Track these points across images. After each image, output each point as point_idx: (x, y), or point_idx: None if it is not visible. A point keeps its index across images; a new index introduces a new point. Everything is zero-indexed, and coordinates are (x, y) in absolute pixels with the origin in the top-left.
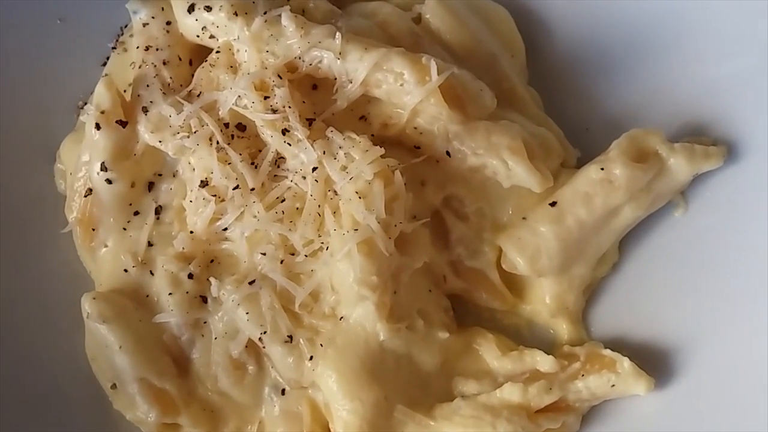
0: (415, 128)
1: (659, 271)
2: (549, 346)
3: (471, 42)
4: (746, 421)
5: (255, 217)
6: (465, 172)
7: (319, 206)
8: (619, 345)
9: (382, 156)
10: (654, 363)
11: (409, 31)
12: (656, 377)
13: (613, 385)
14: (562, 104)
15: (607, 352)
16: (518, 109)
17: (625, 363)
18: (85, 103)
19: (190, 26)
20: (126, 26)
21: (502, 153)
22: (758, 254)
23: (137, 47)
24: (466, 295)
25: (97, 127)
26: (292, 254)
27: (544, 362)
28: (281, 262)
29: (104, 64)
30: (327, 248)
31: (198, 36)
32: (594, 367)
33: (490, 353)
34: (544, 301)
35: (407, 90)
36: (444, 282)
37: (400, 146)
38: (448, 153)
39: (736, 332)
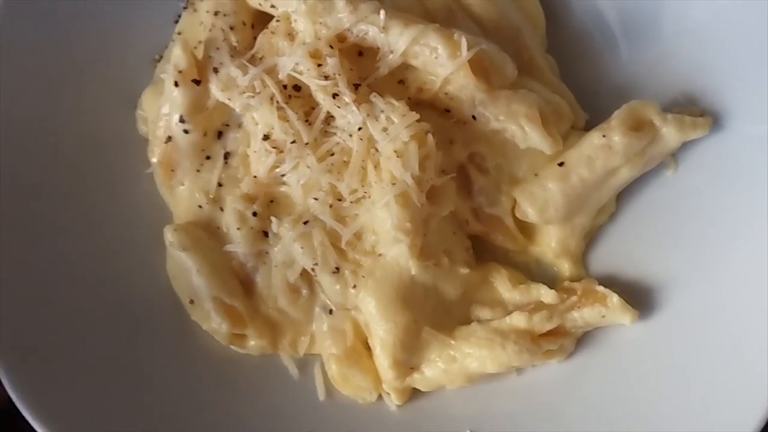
0: (446, 94)
1: (650, 222)
2: (552, 281)
3: (498, 16)
4: (714, 352)
5: (308, 167)
6: (488, 134)
7: (363, 161)
8: (611, 282)
9: (417, 120)
10: (639, 299)
11: (444, 5)
12: (640, 311)
13: (603, 316)
14: (576, 70)
15: (600, 288)
16: (536, 77)
17: (614, 298)
18: (161, 57)
19: None
20: None
21: (520, 120)
22: (736, 210)
23: (206, 11)
24: (485, 237)
25: (176, 84)
26: (340, 200)
27: (547, 295)
28: (330, 206)
29: (176, 22)
30: (369, 197)
31: (260, 4)
32: (588, 300)
33: (502, 286)
34: (550, 244)
35: (440, 62)
36: (466, 225)
37: (432, 108)
38: (474, 117)
39: (714, 277)
